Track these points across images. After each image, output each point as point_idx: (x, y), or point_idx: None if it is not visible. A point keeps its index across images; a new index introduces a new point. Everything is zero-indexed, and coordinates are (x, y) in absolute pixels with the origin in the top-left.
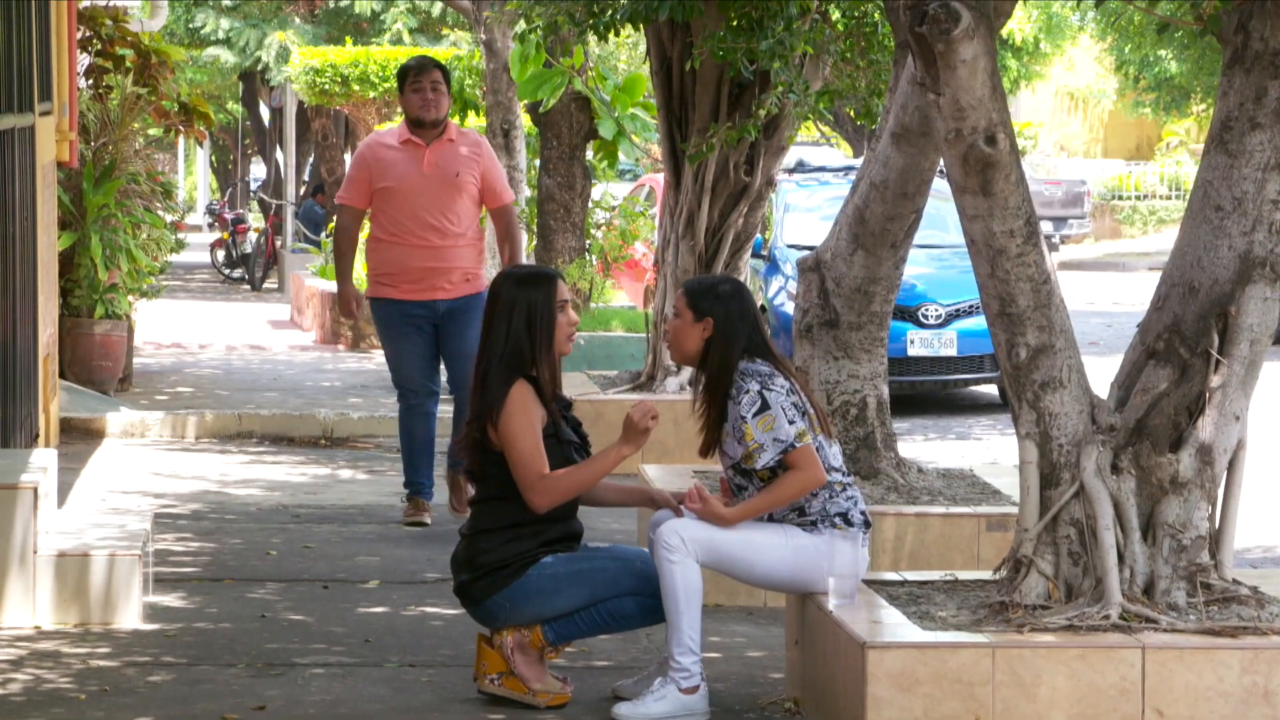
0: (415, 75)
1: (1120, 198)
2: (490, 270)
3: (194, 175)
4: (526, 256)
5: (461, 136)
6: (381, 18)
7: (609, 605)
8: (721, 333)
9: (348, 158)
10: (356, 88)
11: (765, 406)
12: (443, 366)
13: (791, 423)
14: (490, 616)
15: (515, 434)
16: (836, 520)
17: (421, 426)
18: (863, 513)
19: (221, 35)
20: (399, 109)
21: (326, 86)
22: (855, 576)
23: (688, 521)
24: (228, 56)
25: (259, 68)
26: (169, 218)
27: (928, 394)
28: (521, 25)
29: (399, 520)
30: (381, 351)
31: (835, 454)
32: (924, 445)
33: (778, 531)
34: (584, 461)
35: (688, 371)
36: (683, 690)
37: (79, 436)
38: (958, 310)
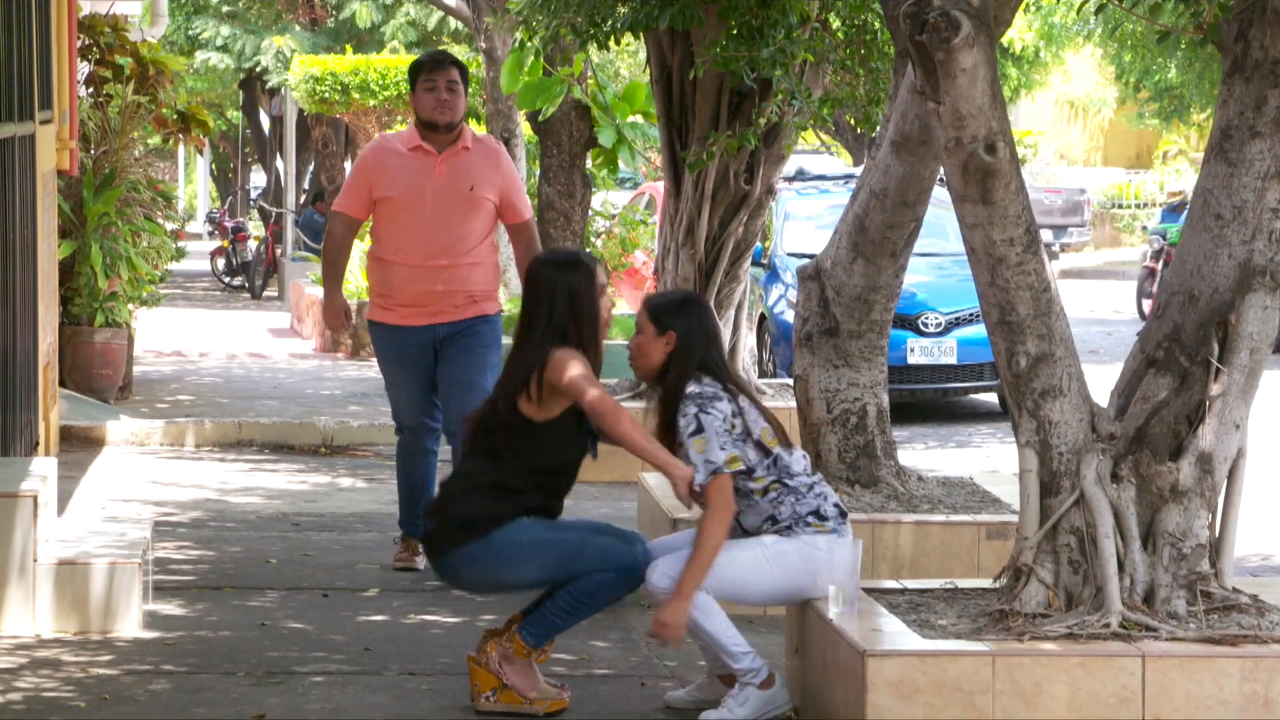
0: (429, 72)
1: (1120, 206)
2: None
3: (194, 183)
4: None
5: (478, 144)
6: (381, 29)
7: (577, 586)
8: (683, 347)
9: (348, 166)
10: (356, 96)
11: (700, 430)
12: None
13: (723, 448)
14: (452, 571)
15: (576, 376)
16: (809, 519)
17: (420, 466)
18: (836, 505)
19: (220, 42)
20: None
21: (326, 95)
22: (854, 575)
23: (673, 561)
24: (225, 60)
25: (258, 71)
26: (169, 226)
27: (928, 402)
28: (520, 33)
29: (390, 563)
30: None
31: (797, 459)
32: (924, 453)
33: (756, 546)
34: (637, 424)
35: None
36: (760, 686)
37: (79, 445)
38: (958, 318)
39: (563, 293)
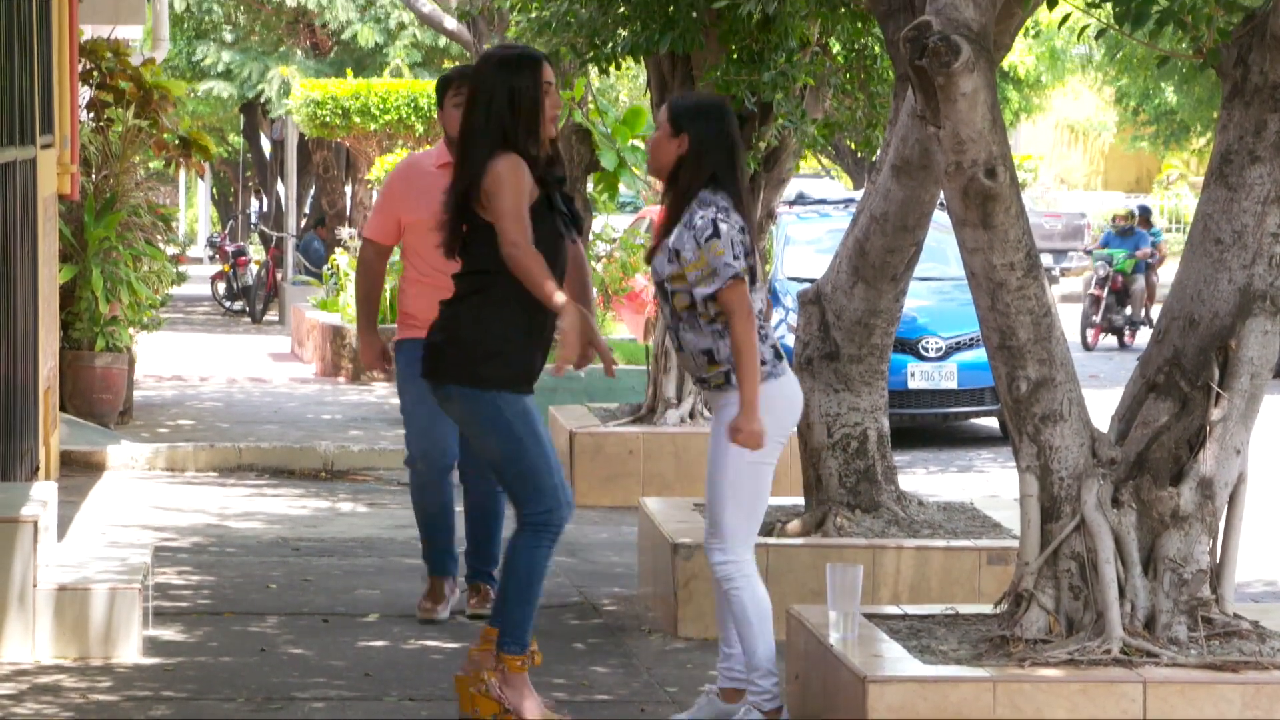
0: (457, 87)
1: None
2: None
3: (195, 208)
4: None
5: None
6: (385, 50)
7: (516, 570)
8: (694, 152)
9: (349, 190)
10: (357, 120)
11: (717, 234)
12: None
13: (737, 257)
14: (446, 398)
15: (503, 193)
16: None
17: (434, 496)
18: (773, 347)
19: (222, 68)
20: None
21: (327, 119)
22: (855, 600)
23: (714, 526)
24: (227, 89)
25: (260, 100)
26: (170, 250)
27: (928, 427)
28: None
29: (414, 613)
30: (381, 384)
31: (758, 299)
32: (925, 478)
33: (714, 434)
34: (550, 277)
35: (688, 404)
36: (766, 713)
37: (79, 469)
38: (958, 343)
39: (503, 91)
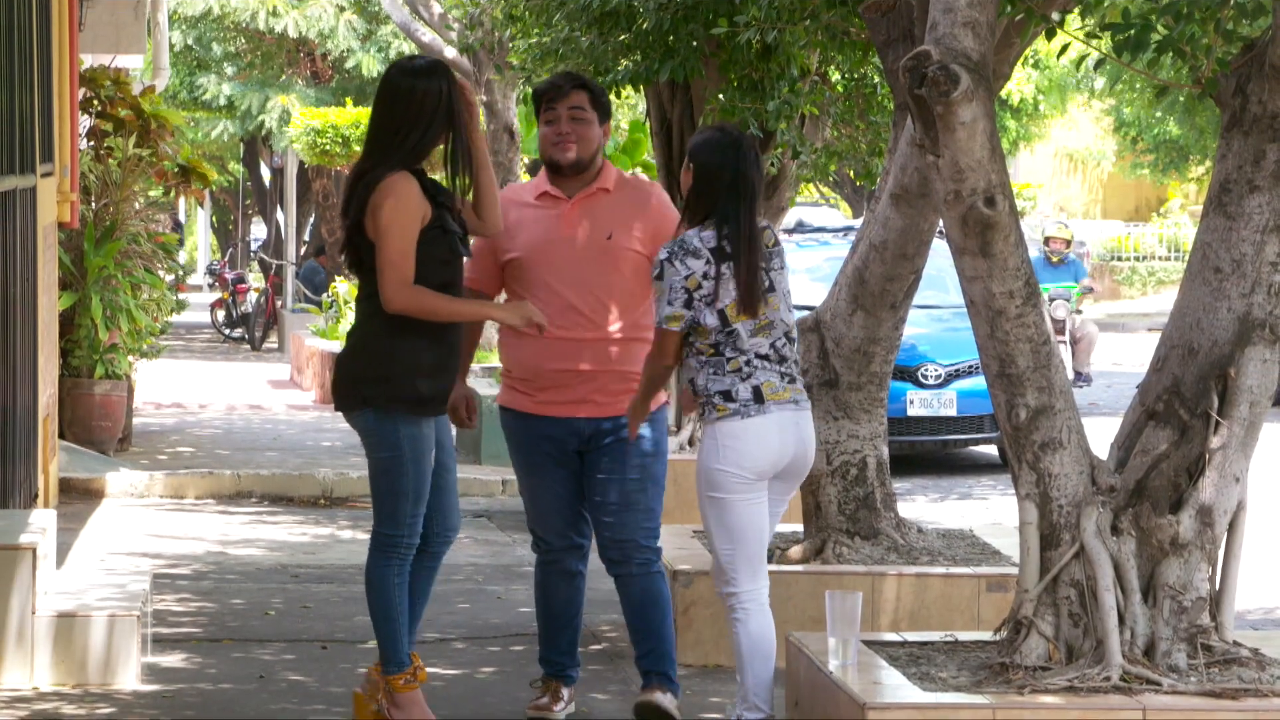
0: (549, 100)
1: (1120, 259)
2: None
3: (194, 235)
4: None
5: (624, 185)
6: None
7: (373, 595)
8: (699, 182)
9: None
10: (357, 148)
11: (660, 277)
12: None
13: (670, 303)
14: (351, 422)
15: (387, 228)
16: (716, 400)
17: (562, 589)
18: (755, 388)
19: (224, 101)
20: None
21: (327, 147)
22: (854, 627)
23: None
24: (230, 128)
25: (262, 133)
26: (169, 278)
27: (927, 454)
28: (525, 86)
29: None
30: None
31: (746, 331)
32: (925, 505)
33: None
34: (453, 298)
35: (686, 431)
36: None
37: (78, 497)
38: (957, 370)
39: (408, 105)
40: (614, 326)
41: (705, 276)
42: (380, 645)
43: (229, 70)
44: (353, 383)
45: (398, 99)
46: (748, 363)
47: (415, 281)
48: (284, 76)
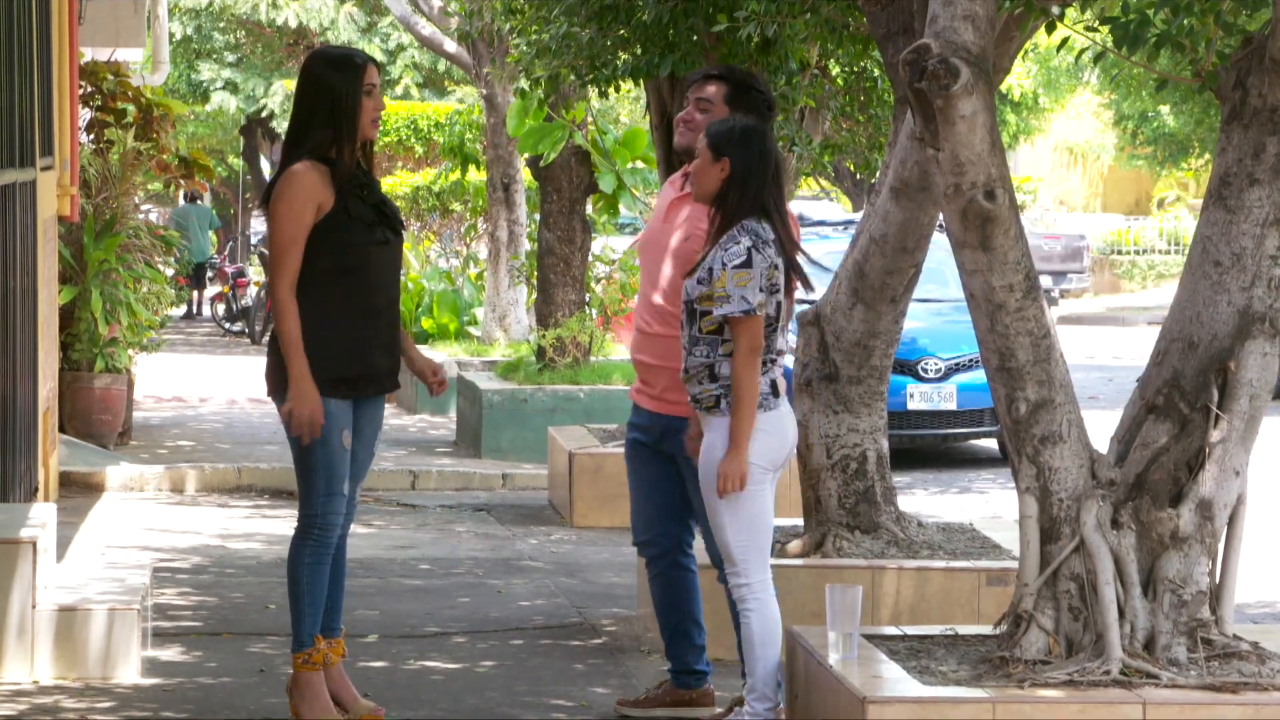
0: (689, 89)
1: (1119, 252)
2: None
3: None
4: (526, 310)
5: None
6: (385, 70)
7: (293, 579)
8: (738, 176)
9: None
10: None
11: (748, 264)
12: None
13: (761, 290)
14: (282, 408)
15: (272, 224)
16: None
17: (669, 587)
18: (773, 381)
19: (221, 84)
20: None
21: None
22: (854, 620)
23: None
24: (233, 102)
25: (263, 115)
26: (169, 271)
27: (928, 448)
28: (523, 81)
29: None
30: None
31: (781, 326)
32: (924, 499)
33: (701, 457)
34: (295, 339)
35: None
36: None
37: (78, 490)
38: (957, 364)
39: (325, 91)
40: (674, 323)
41: (776, 267)
42: (292, 623)
43: (229, 57)
44: (278, 369)
45: (306, 89)
46: (768, 356)
47: (310, 267)
48: (285, 66)
